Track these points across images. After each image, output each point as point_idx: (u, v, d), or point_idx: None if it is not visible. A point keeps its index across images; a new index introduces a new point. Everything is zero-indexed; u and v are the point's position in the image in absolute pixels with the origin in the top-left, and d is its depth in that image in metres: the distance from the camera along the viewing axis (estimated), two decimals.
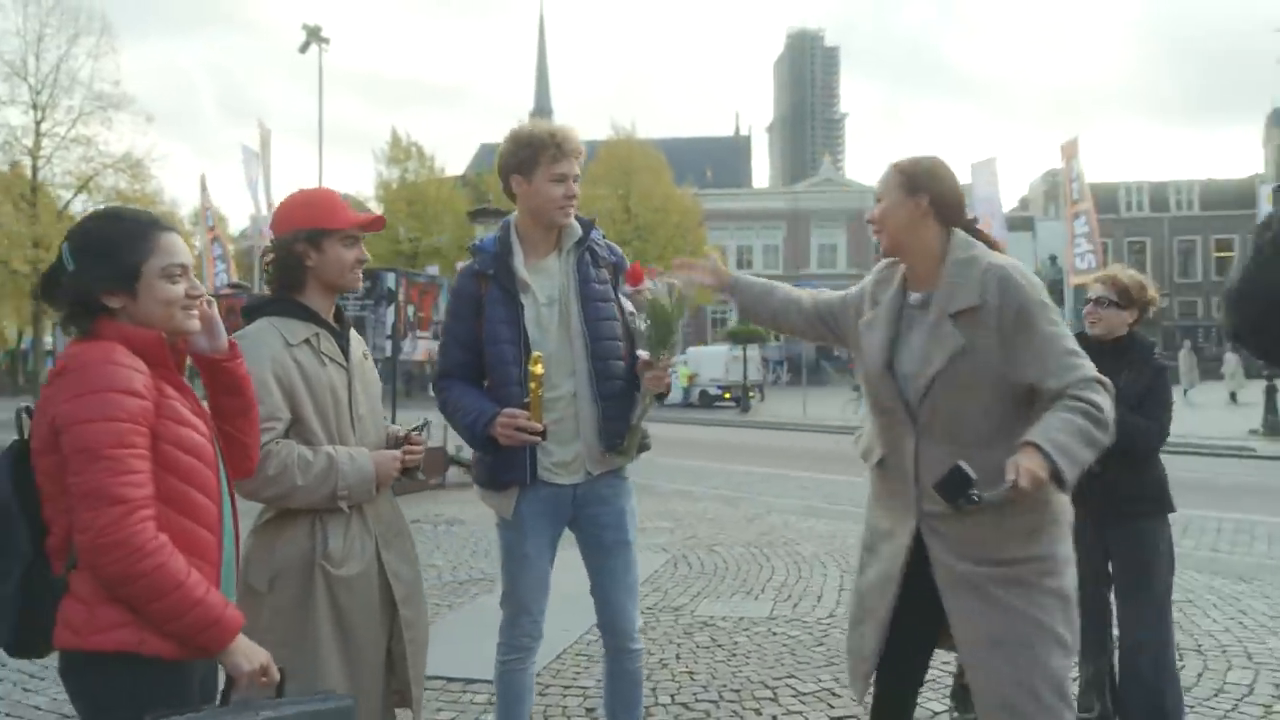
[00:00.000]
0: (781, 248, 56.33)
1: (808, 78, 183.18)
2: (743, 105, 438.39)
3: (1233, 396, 25.23)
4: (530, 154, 2.72)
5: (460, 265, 2.92)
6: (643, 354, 2.80)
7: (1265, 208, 27.39)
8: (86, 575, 1.67)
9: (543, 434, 2.59)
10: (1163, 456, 3.43)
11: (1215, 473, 12.29)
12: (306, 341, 2.35)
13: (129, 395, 1.68)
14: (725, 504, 9.36)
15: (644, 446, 2.86)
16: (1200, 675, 4.12)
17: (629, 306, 2.91)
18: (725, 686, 4.05)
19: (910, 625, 2.41)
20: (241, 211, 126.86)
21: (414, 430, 2.53)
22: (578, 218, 2.83)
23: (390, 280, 10.67)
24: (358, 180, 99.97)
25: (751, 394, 29.88)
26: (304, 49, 18.15)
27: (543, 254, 2.81)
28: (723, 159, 70.09)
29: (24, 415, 1.78)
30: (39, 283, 1.89)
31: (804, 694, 3.96)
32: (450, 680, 4.06)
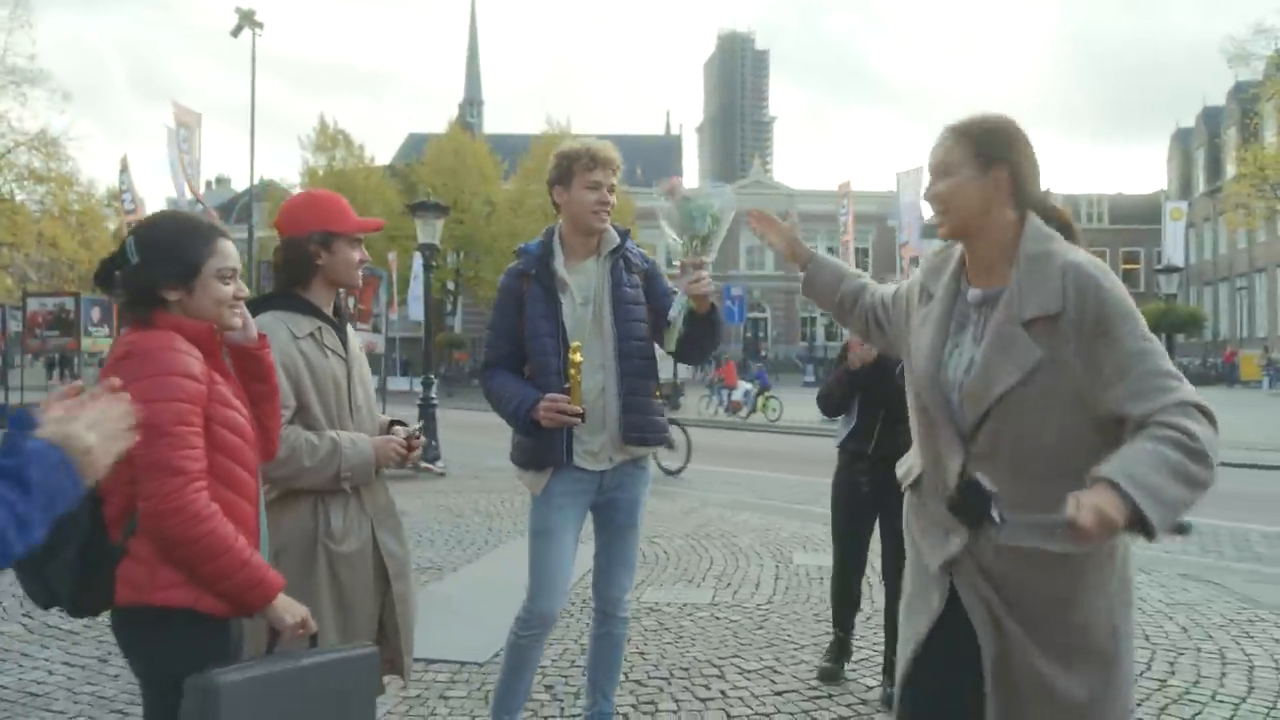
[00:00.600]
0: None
1: (738, 80, 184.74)
2: (673, 104, 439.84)
3: None
4: (567, 166, 2.98)
5: (507, 270, 3.11)
6: (678, 261, 2.87)
7: (1169, 223, 28.66)
8: (146, 540, 1.85)
9: (582, 416, 2.83)
10: None
11: None
12: (311, 335, 2.53)
13: (188, 379, 1.86)
14: (661, 499, 9.62)
15: (667, 439, 3.17)
16: None
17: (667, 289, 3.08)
18: (675, 665, 4.31)
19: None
20: (157, 193, 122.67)
21: (415, 430, 2.73)
22: (615, 227, 3.08)
23: None
24: (282, 166, 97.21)
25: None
26: (236, 33, 17.85)
27: (581, 258, 3.06)
28: (654, 158, 70.45)
29: None
30: (96, 269, 2.04)
31: (748, 671, 4.25)
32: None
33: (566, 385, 2.83)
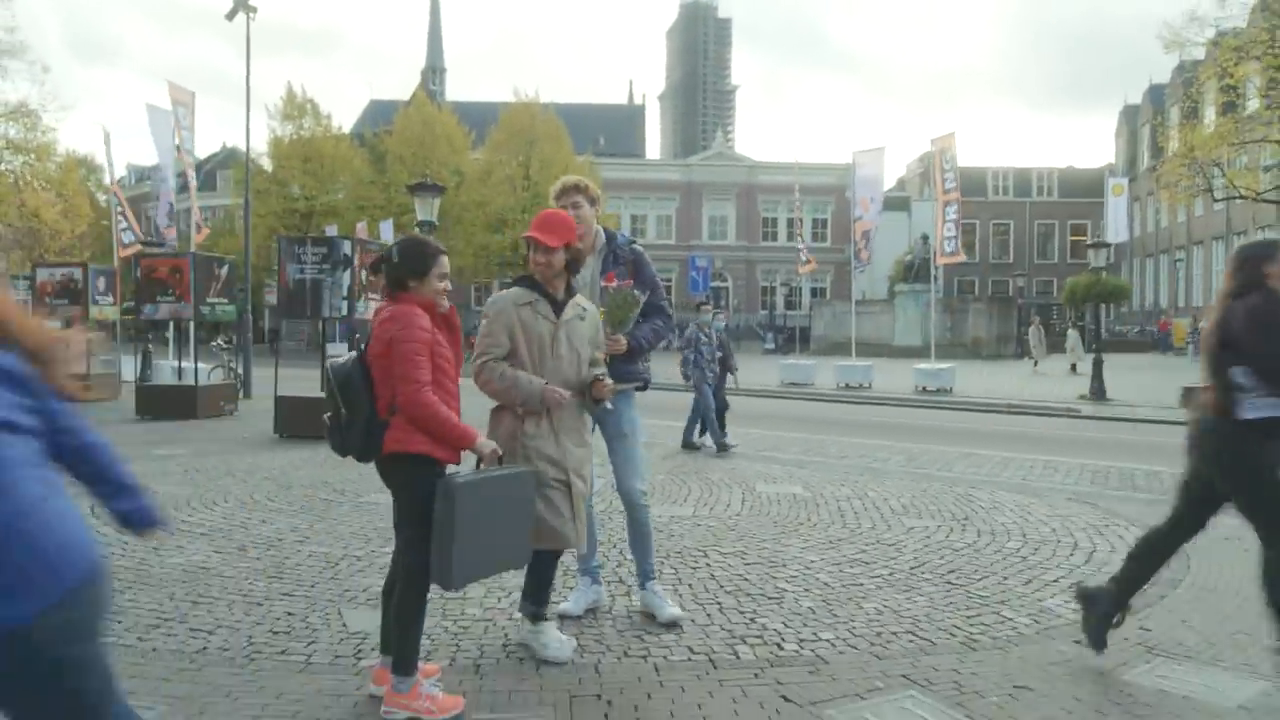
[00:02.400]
0: (675, 218, 58.12)
1: (700, 48, 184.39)
2: (635, 73, 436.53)
3: (1073, 368, 28.38)
4: (557, 193, 4.35)
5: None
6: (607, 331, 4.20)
7: (1112, 199, 30.30)
8: (402, 417, 3.24)
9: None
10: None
11: (1045, 427, 14.71)
12: (529, 304, 3.75)
13: (422, 330, 3.25)
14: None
15: (643, 382, 4.52)
16: (989, 544, 6.07)
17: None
18: (670, 551, 5.77)
19: None
20: (116, 163, 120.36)
21: (599, 374, 3.90)
22: (606, 229, 4.44)
23: (346, 248, 11.94)
24: (231, 131, 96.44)
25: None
26: (231, 16, 18.70)
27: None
28: (617, 127, 71.30)
29: (360, 342, 3.32)
30: (374, 261, 3.40)
31: (725, 554, 5.74)
32: None
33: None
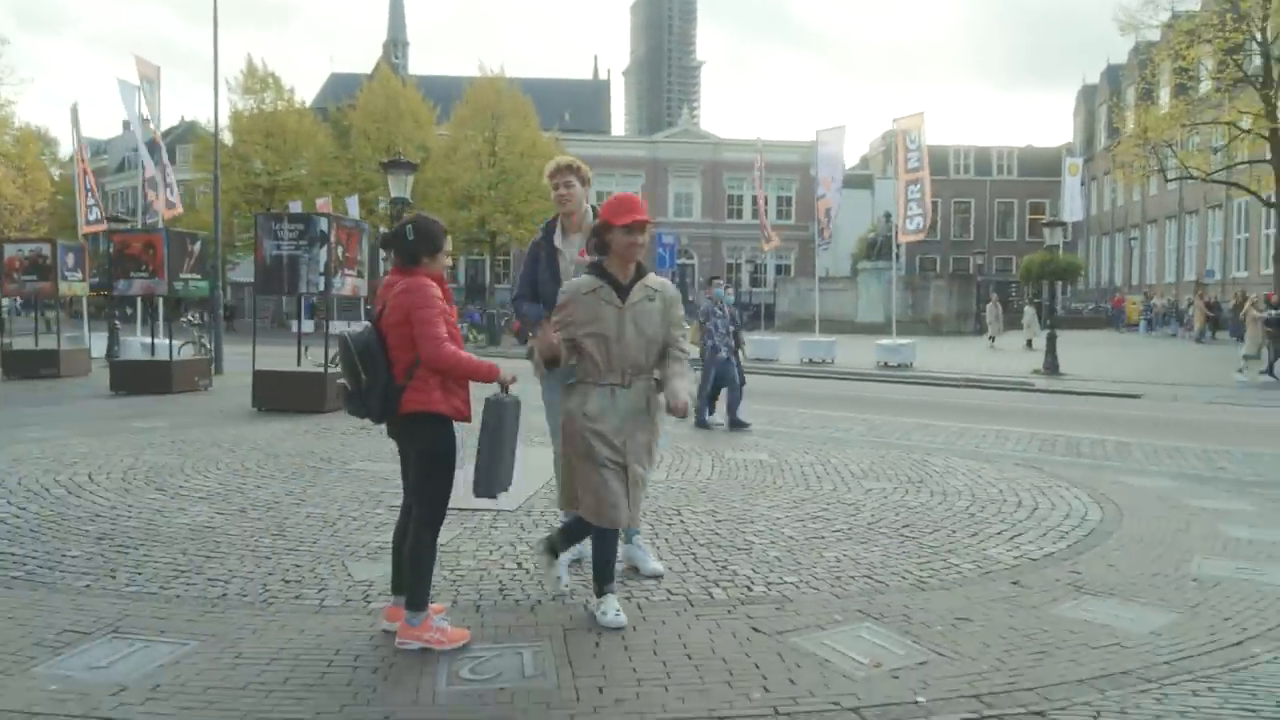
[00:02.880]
0: (640, 195, 58.16)
1: (665, 23, 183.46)
2: (599, 48, 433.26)
3: (1029, 344, 29.16)
4: (549, 174, 4.70)
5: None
6: None
7: (1068, 178, 31.05)
8: (418, 381, 3.59)
9: None
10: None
11: (1000, 400, 15.33)
12: (594, 290, 3.94)
13: (436, 297, 3.61)
14: None
15: None
16: (941, 503, 6.56)
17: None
18: (646, 511, 6.14)
19: None
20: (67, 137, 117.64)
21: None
22: (593, 207, 4.79)
23: (323, 224, 12.16)
24: (183, 103, 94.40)
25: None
26: None
27: (571, 232, 4.79)
28: (582, 102, 71.07)
29: (377, 312, 3.67)
30: (383, 237, 3.75)
31: (699, 512, 6.16)
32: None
33: None
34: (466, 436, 3.84)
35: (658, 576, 4.68)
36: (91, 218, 23.96)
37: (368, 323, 3.73)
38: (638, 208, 3.99)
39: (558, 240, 4.77)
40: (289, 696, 3.18)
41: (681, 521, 5.92)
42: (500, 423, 3.74)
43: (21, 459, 7.86)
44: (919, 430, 10.85)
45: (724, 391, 11.01)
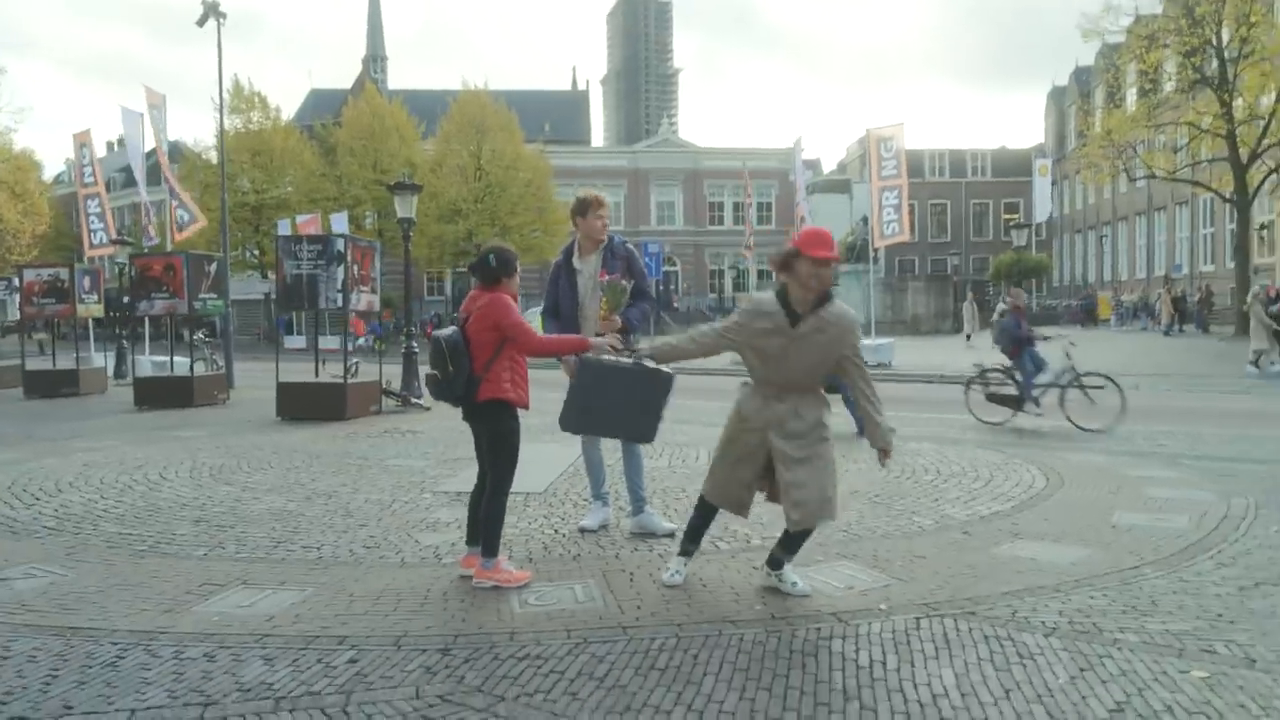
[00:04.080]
0: (623, 205, 59.31)
1: (641, 32, 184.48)
2: (575, 57, 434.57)
3: None
4: (585, 207, 5.69)
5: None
6: (603, 312, 5.56)
7: (1038, 179, 32.13)
8: (493, 375, 4.58)
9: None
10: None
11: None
12: (768, 314, 4.44)
13: (514, 309, 4.61)
14: None
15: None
16: (909, 477, 7.58)
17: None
18: (654, 490, 7.15)
19: None
20: (56, 160, 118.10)
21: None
22: (610, 234, 5.78)
23: (340, 244, 13.11)
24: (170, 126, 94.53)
25: None
26: (201, 22, 19.53)
27: (587, 253, 5.78)
28: (562, 113, 72.11)
29: (463, 319, 4.66)
30: (471, 265, 4.74)
31: (697, 491, 7.14)
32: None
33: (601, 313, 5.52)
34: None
35: (670, 534, 5.66)
36: (96, 241, 24.81)
37: (455, 327, 4.71)
38: (830, 246, 4.17)
39: (576, 261, 5.75)
40: (402, 618, 4.16)
41: (686, 496, 6.91)
42: (594, 376, 4.61)
43: (92, 464, 8.78)
44: (894, 420, 11.82)
45: None
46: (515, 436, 4.70)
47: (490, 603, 4.38)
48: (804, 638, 3.87)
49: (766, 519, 6.08)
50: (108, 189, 71.06)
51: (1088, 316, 44.74)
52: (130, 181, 69.79)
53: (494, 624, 4.08)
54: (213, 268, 16.43)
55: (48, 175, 54.62)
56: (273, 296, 46.63)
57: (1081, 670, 3.45)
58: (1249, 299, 21.03)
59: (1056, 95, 64.18)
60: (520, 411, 4.76)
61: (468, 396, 4.62)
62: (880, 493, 6.96)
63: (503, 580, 4.61)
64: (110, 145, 78.76)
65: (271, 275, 43.22)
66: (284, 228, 29.17)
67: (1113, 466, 8.22)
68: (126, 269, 19.95)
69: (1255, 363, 18.88)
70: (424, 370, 4.82)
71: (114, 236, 24.57)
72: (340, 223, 35.01)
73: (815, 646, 3.77)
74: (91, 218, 25.10)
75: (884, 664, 3.56)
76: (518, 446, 4.73)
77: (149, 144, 22.26)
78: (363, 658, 3.68)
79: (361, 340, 29.58)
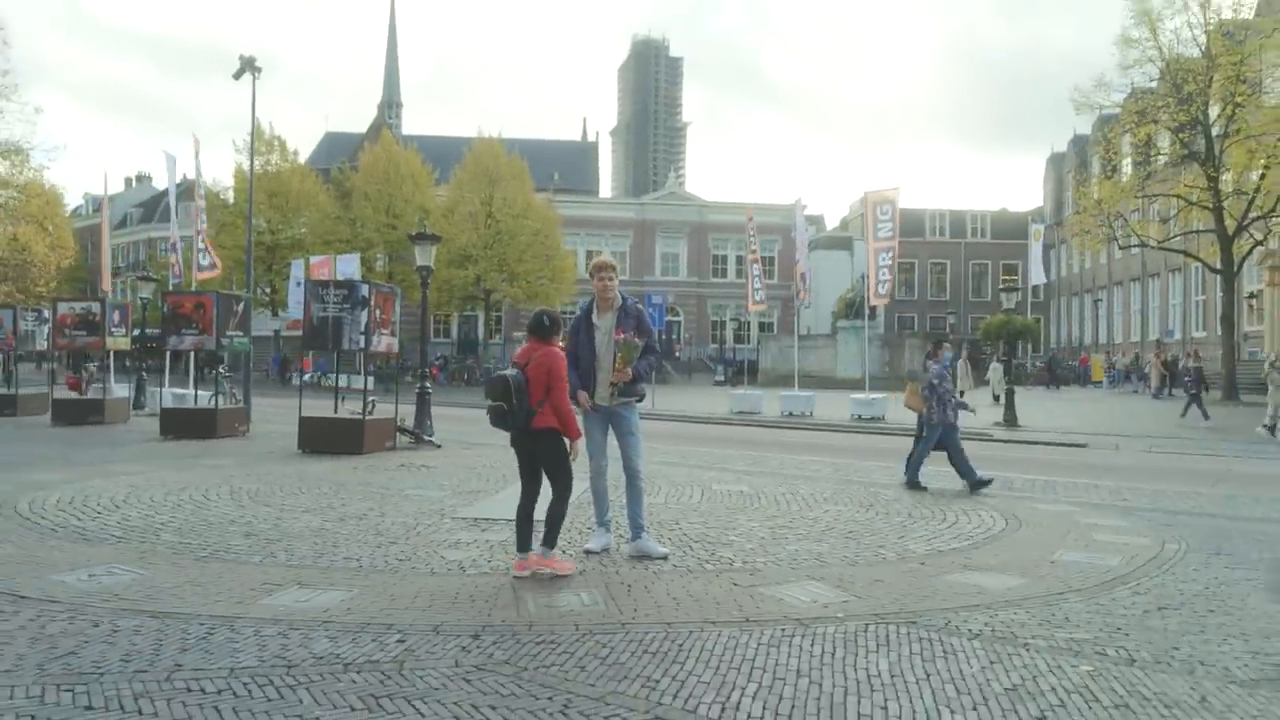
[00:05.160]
0: (629, 255, 60.55)
1: (652, 86, 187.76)
2: (588, 110, 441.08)
3: (996, 398, 31.19)
4: (591, 271, 6.62)
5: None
6: (619, 365, 6.51)
7: (1033, 243, 33.27)
8: (545, 410, 5.59)
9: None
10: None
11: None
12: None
13: (563, 361, 5.65)
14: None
15: (640, 396, 6.78)
16: (883, 518, 8.39)
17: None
18: (651, 523, 7.94)
19: None
20: (73, 193, 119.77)
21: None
22: (622, 294, 6.67)
23: (364, 290, 14.05)
24: (152, 158, 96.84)
25: None
26: (238, 76, 20.68)
27: (604, 311, 6.66)
28: (571, 163, 73.88)
29: (522, 364, 5.59)
30: (531, 324, 5.77)
31: (693, 522, 7.98)
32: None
33: (615, 365, 6.42)
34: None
35: (664, 557, 6.47)
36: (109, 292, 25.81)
37: (518, 369, 5.69)
38: None
39: (594, 318, 6.63)
40: (438, 612, 4.98)
41: (679, 528, 7.74)
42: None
43: (138, 486, 9.61)
44: (880, 470, 12.70)
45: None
46: (566, 456, 5.78)
47: (510, 601, 5.20)
48: (770, 634, 4.69)
49: (749, 546, 6.91)
50: (124, 223, 72.38)
51: (1052, 378, 45.48)
52: (147, 217, 72.05)
53: (515, 619, 4.90)
54: (240, 307, 17.37)
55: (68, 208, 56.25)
56: (282, 334, 47.95)
57: (991, 662, 4.27)
58: (1266, 367, 21.31)
59: (1056, 161, 65.73)
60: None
61: (525, 423, 5.63)
62: (853, 530, 7.77)
63: (558, 568, 5.84)
64: (129, 181, 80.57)
65: (282, 313, 44.46)
66: (298, 269, 30.20)
67: (1070, 515, 9.02)
68: (152, 302, 20.91)
69: (1271, 428, 19.24)
70: (488, 404, 5.75)
71: (141, 273, 25.58)
72: (347, 264, 36.08)
73: (778, 640, 4.59)
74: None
75: (833, 654, 4.37)
76: (569, 463, 5.82)
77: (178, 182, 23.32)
78: (409, 639, 4.50)
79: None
